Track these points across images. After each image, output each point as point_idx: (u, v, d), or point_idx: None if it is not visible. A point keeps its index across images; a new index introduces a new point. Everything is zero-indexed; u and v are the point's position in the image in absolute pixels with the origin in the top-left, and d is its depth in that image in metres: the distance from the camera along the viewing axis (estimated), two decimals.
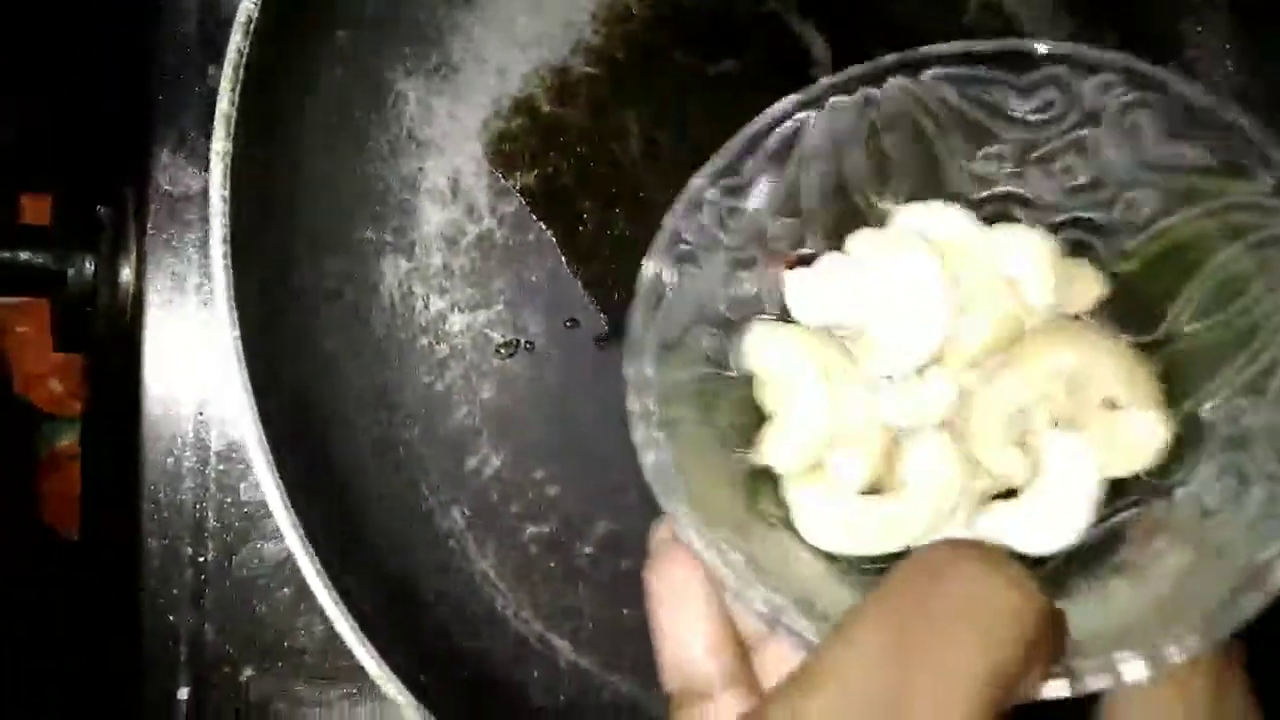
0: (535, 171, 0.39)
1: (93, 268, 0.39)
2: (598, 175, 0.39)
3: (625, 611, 0.39)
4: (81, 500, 0.52)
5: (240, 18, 0.28)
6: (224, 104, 0.28)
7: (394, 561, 0.36)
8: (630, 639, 0.39)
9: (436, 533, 0.37)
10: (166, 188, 0.39)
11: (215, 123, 0.29)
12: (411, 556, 0.36)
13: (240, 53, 0.28)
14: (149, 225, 0.38)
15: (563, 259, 0.39)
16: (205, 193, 0.37)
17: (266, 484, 0.31)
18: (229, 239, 0.29)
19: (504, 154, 0.38)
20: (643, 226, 0.40)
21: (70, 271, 0.40)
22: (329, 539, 0.33)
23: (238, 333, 0.30)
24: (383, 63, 0.37)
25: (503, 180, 0.39)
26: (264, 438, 0.29)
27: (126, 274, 0.39)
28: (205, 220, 0.34)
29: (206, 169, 0.37)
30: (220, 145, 0.28)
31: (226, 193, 0.28)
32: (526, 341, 0.39)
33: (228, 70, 0.28)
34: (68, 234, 0.40)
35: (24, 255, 0.40)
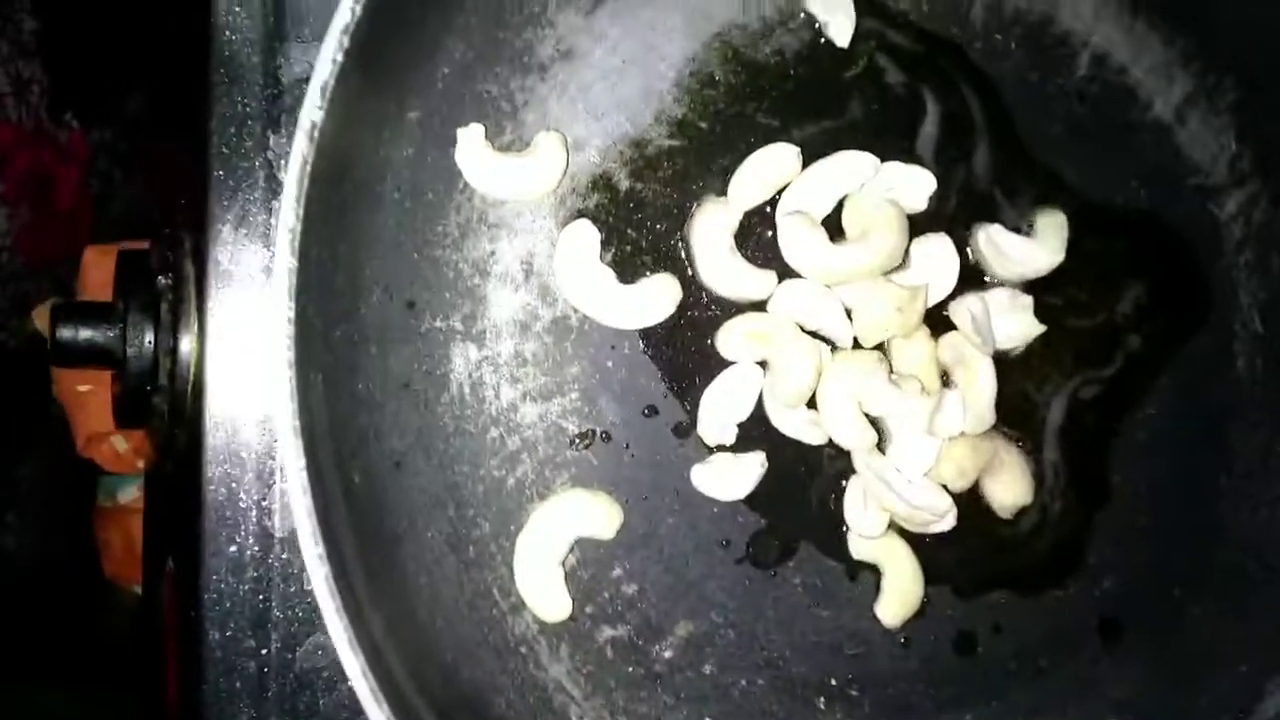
0: (613, 250, 0.36)
1: (153, 342, 0.38)
2: (677, 252, 0.37)
3: None
4: (144, 561, 0.51)
5: (303, 122, 0.26)
6: (289, 217, 0.26)
7: (466, 672, 0.34)
8: None
9: (508, 639, 0.35)
10: (227, 266, 0.37)
11: (278, 235, 0.27)
12: (482, 665, 0.34)
13: (305, 161, 0.26)
14: (209, 302, 0.37)
15: (641, 344, 0.37)
16: (266, 270, 0.35)
17: (324, 599, 0.29)
18: (294, 343, 0.27)
19: None
20: (725, 308, 0.38)
21: (131, 350, 0.39)
22: (395, 647, 0.32)
23: (299, 438, 0.28)
24: (455, 141, 0.34)
25: None
26: (324, 554, 0.27)
27: (187, 348, 0.38)
28: (266, 299, 0.32)
29: (268, 246, 0.36)
30: (286, 261, 0.26)
31: (293, 312, 0.26)
32: (602, 432, 0.37)
33: (290, 182, 0.26)
34: (129, 307, 0.39)
35: (86, 333, 0.39)
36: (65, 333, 0.39)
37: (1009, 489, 0.38)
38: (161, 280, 0.39)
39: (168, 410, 0.39)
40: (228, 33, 0.36)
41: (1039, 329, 0.38)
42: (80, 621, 0.60)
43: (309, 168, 0.26)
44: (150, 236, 0.45)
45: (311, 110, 0.26)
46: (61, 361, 0.41)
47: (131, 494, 0.61)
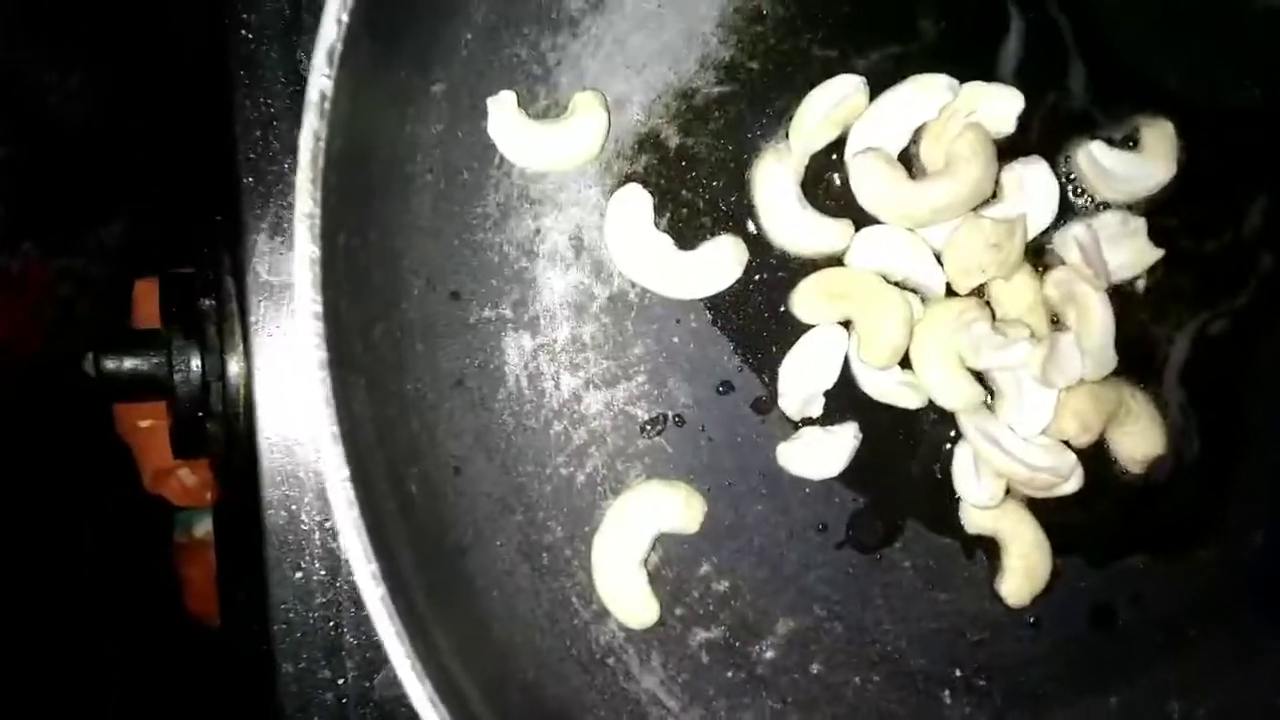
0: (668, 214, 0.33)
1: (200, 367, 0.37)
2: (739, 209, 0.33)
3: None
4: (219, 592, 0.50)
5: (312, 95, 0.24)
6: (305, 202, 0.24)
7: (550, 690, 0.31)
8: None
9: (593, 650, 0.32)
10: (267, 277, 0.35)
11: (296, 225, 0.24)
12: (567, 682, 0.31)
13: (317, 138, 0.23)
14: (252, 318, 0.35)
15: (708, 314, 0.33)
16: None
17: (381, 623, 0.26)
18: (326, 354, 0.24)
19: None
20: (798, 266, 0.35)
21: (179, 377, 0.37)
22: (469, 670, 0.29)
23: (339, 445, 0.25)
24: (486, 112, 0.32)
25: None
26: (378, 573, 0.24)
27: (235, 369, 0.36)
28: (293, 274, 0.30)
29: None
30: (306, 250, 0.24)
31: (318, 305, 0.24)
32: (675, 415, 0.33)
33: (303, 163, 0.24)
34: (173, 333, 0.38)
35: (130, 363, 0.38)
36: (110, 364, 0.38)
37: (1139, 440, 0.34)
38: (205, 302, 0.38)
39: (223, 436, 0.37)
40: (244, 32, 0.34)
41: (1156, 253, 0.34)
42: (164, 662, 0.60)
43: (322, 145, 0.23)
44: (195, 260, 0.44)
45: (319, 79, 0.24)
46: (111, 395, 0.40)
47: (206, 527, 0.61)
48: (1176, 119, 0.34)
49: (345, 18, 0.24)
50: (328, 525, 0.34)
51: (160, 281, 0.41)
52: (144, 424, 0.56)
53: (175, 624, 0.62)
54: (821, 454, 0.33)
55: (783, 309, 0.34)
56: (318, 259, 0.24)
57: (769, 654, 0.33)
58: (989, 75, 0.33)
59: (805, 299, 0.33)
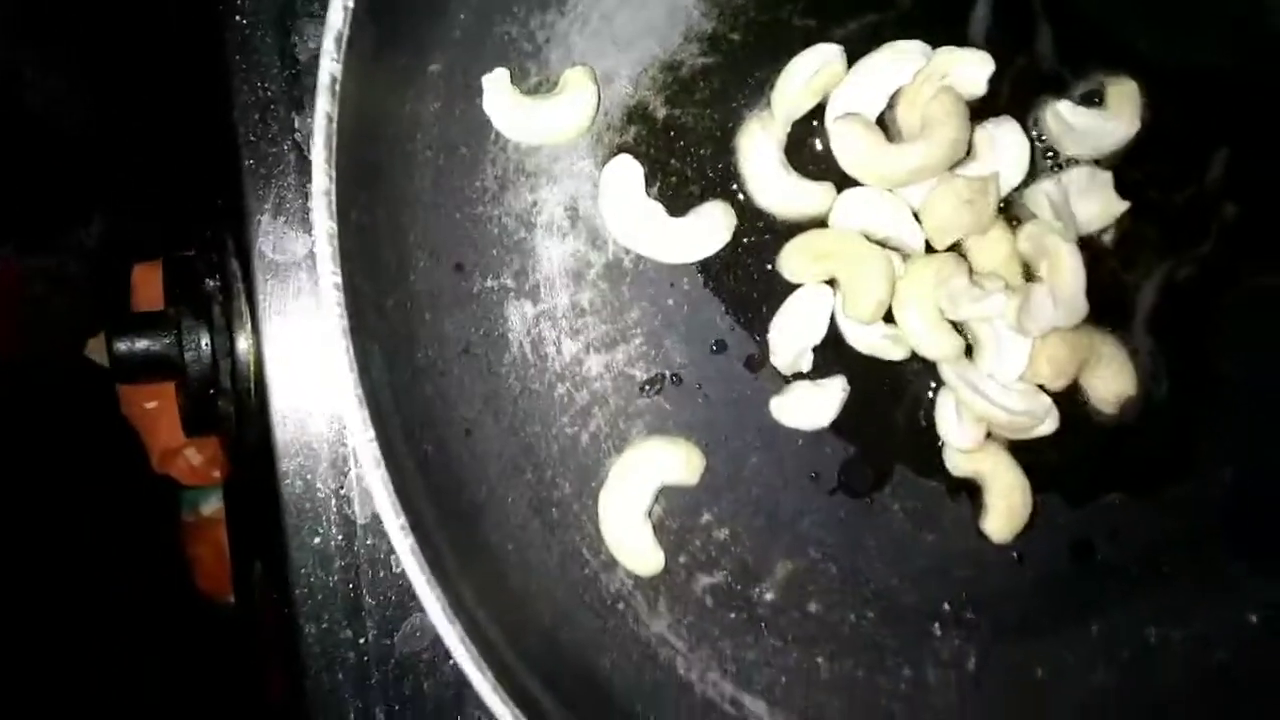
0: (659, 183, 0.35)
1: (209, 346, 0.38)
2: (726, 175, 0.35)
3: (820, 660, 0.35)
4: (233, 568, 0.51)
5: (323, 79, 0.25)
6: (321, 180, 0.25)
7: (566, 635, 0.32)
8: (832, 691, 0.35)
9: (604, 597, 0.34)
10: (272, 256, 0.36)
11: (314, 201, 0.26)
12: (582, 627, 0.33)
13: (329, 118, 0.25)
14: (259, 295, 0.36)
15: (700, 277, 0.35)
16: (311, 256, 0.34)
17: (413, 571, 0.28)
18: (347, 322, 0.26)
19: None
20: (785, 228, 0.36)
21: (189, 356, 0.38)
22: (490, 618, 0.31)
23: (364, 408, 0.27)
24: (480, 90, 0.33)
25: None
26: (406, 525, 0.26)
27: (244, 346, 0.37)
28: (316, 285, 0.31)
29: (310, 231, 0.35)
30: (324, 225, 0.25)
31: (338, 277, 0.25)
32: (672, 375, 0.35)
33: (319, 143, 0.25)
34: (181, 313, 0.38)
35: (142, 344, 0.39)
36: (122, 346, 0.39)
37: (1111, 381, 0.36)
38: (210, 282, 0.38)
39: (234, 412, 0.38)
40: (239, 17, 0.35)
41: (1123, 205, 0.35)
42: (176, 638, 0.61)
43: (335, 125, 0.25)
44: (195, 244, 0.45)
45: (329, 64, 0.25)
46: (123, 377, 0.41)
47: (214, 505, 0.62)
48: (1140, 77, 0.36)
49: (350, 4, 0.25)
50: (342, 493, 0.36)
51: (164, 264, 0.41)
52: (150, 405, 0.57)
53: (187, 603, 0.63)
54: (812, 406, 0.35)
55: (771, 269, 0.35)
56: (335, 234, 0.25)
57: (769, 595, 0.35)
58: (960, 40, 0.35)
59: (792, 259, 0.35)
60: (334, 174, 0.25)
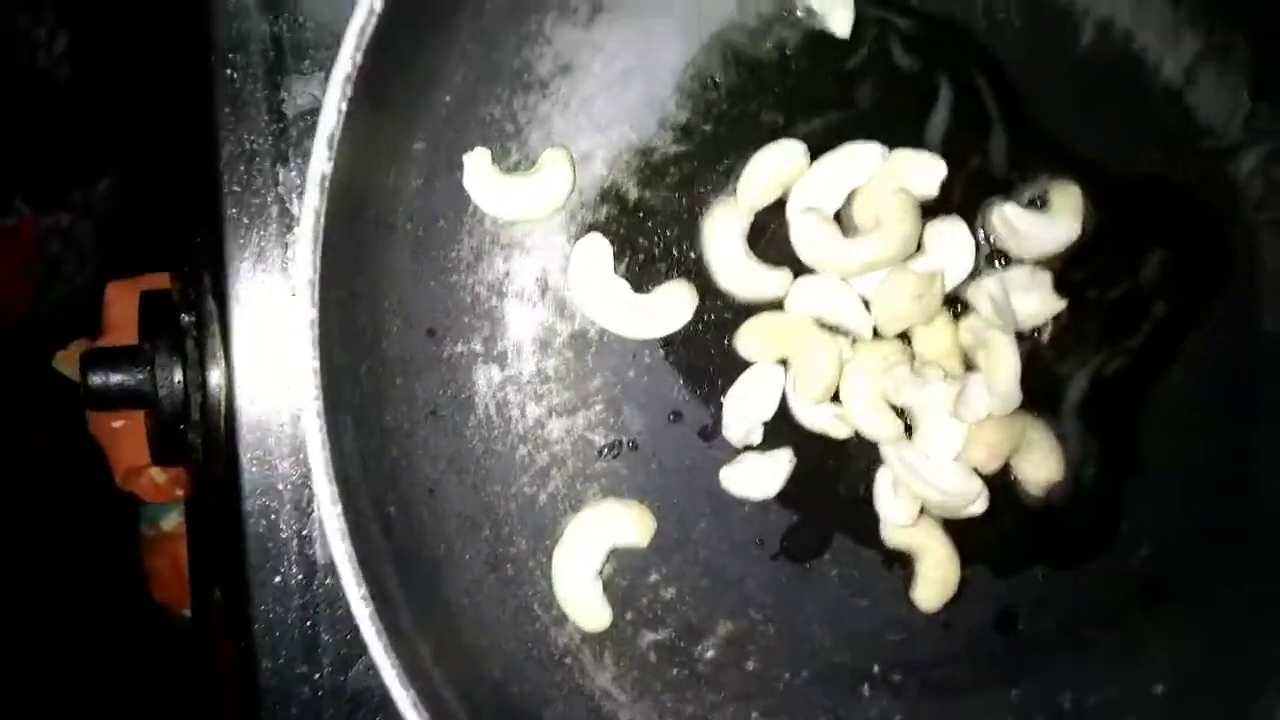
0: (626, 260, 0.36)
1: (182, 380, 0.39)
2: (691, 259, 0.37)
3: (755, 715, 0.37)
4: (191, 589, 0.52)
5: (313, 176, 0.26)
6: (306, 269, 0.26)
7: (514, 688, 0.34)
8: None
9: (553, 651, 0.36)
10: (248, 302, 0.37)
11: (297, 288, 0.27)
12: (529, 680, 0.35)
13: (318, 214, 0.26)
14: (234, 334, 0.37)
15: (661, 351, 0.37)
16: (288, 302, 0.35)
17: (370, 638, 0.29)
18: (323, 392, 0.27)
19: None
20: (743, 309, 0.38)
21: (162, 391, 0.39)
22: (445, 673, 0.32)
23: (334, 485, 0.28)
24: (462, 167, 0.34)
25: None
26: (367, 595, 0.28)
27: (215, 382, 0.38)
28: (290, 326, 0.32)
29: (287, 278, 0.36)
30: (308, 314, 0.27)
31: (317, 361, 0.27)
32: (629, 441, 0.37)
33: (305, 234, 0.26)
34: (156, 349, 0.39)
35: (116, 378, 0.40)
36: (96, 379, 0.40)
37: (1040, 467, 0.38)
38: (185, 318, 0.39)
39: (202, 445, 0.39)
40: (230, 71, 0.36)
41: (1060, 304, 0.38)
42: (132, 650, 0.62)
43: (323, 221, 0.26)
44: (169, 268, 0.46)
45: (320, 163, 0.26)
46: (95, 406, 0.41)
47: (174, 520, 0.62)
48: (1085, 182, 0.38)
49: (344, 107, 0.26)
50: (304, 534, 0.37)
51: (140, 299, 0.42)
52: (117, 424, 0.57)
53: (142, 614, 0.64)
54: (760, 476, 0.37)
55: (728, 347, 0.37)
56: (316, 320, 0.27)
57: (710, 653, 0.37)
58: (918, 140, 0.37)
59: (748, 339, 0.37)
60: (319, 264, 0.26)
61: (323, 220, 0.26)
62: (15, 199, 0.63)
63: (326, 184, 0.26)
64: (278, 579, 0.37)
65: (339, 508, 0.27)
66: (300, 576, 0.37)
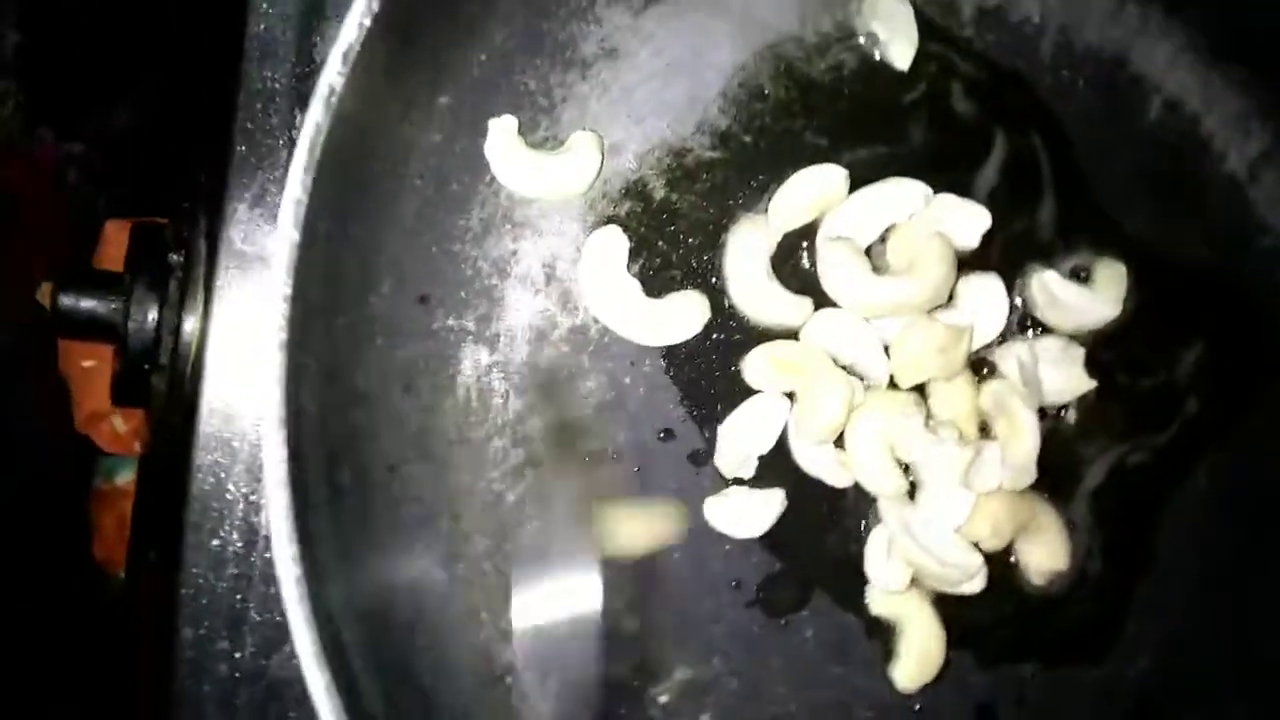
0: (641, 261, 0.34)
1: (157, 319, 0.37)
2: (708, 269, 0.35)
3: None
4: (129, 548, 0.49)
5: (321, 88, 0.25)
6: (295, 187, 0.24)
7: (445, 699, 0.31)
8: None
9: (493, 668, 0.33)
10: (240, 246, 0.35)
11: (283, 207, 0.25)
12: (461, 693, 0.32)
13: (318, 128, 0.24)
14: (218, 281, 0.35)
15: (662, 362, 0.35)
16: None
17: (290, 601, 0.27)
18: (289, 327, 0.25)
19: None
20: (755, 333, 0.36)
21: (133, 325, 0.37)
22: (370, 668, 0.29)
23: (283, 429, 0.26)
24: (486, 131, 0.33)
25: None
26: (298, 556, 0.25)
27: (190, 327, 0.36)
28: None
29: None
30: (289, 234, 0.24)
31: (289, 288, 0.25)
32: (614, 452, 0.34)
33: (301, 149, 0.24)
34: (136, 281, 0.37)
35: (88, 303, 0.38)
36: (67, 301, 0.38)
37: (1045, 553, 0.36)
38: (173, 257, 0.38)
39: (165, 391, 0.37)
40: (265, 5, 0.35)
41: (1089, 384, 0.36)
42: (62, 602, 0.59)
43: (323, 136, 0.24)
44: (170, 211, 0.44)
45: (331, 75, 0.24)
46: (61, 331, 0.39)
47: (128, 476, 0.60)
48: (1131, 263, 0.36)
49: (367, 22, 0.25)
50: (252, 499, 0.35)
51: (131, 229, 0.41)
52: (87, 364, 0.55)
53: (79, 568, 0.61)
54: (746, 514, 0.34)
55: (733, 370, 0.35)
56: (296, 244, 0.24)
57: (663, 698, 0.34)
58: (964, 189, 0.35)
59: (756, 365, 0.34)
60: (309, 185, 0.24)
61: (323, 138, 0.24)
62: (40, 127, 0.62)
63: (334, 101, 0.24)
64: (215, 542, 0.35)
65: (284, 454, 0.24)
66: (240, 544, 0.35)
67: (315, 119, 0.24)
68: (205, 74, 0.39)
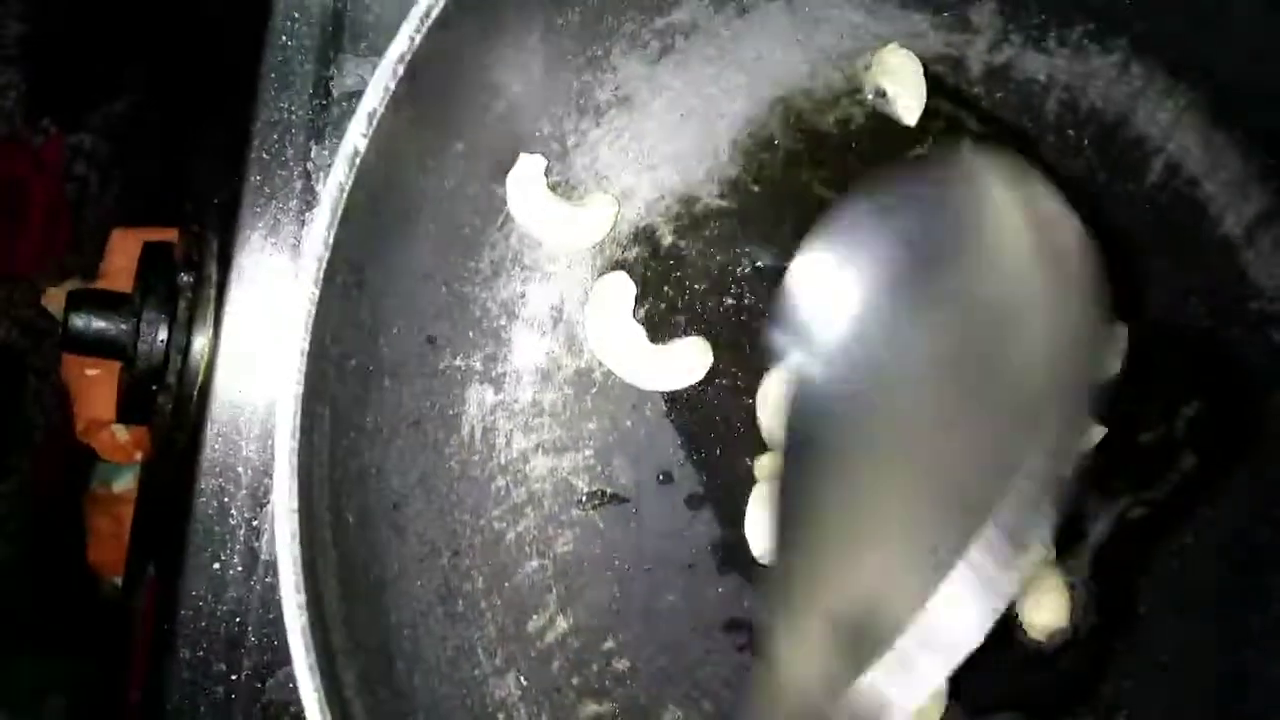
0: (647, 306, 0.35)
1: (165, 340, 0.37)
2: (713, 316, 0.35)
3: None
4: (127, 558, 0.50)
5: (345, 149, 0.25)
6: (318, 245, 0.25)
7: None
8: None
9: (487, 704, 0.33)
10: (252, 273, 0.36)
11: (304, 261, 0.25)
12: None
13: (341, 190, 0.25)
14: (228, 306, 0.36)
15: (664, 406, 0.35)
16: (290, 282, 0.34)
17: (295, 647, 0.27)
18: (304, 378, 0.25)
19: None
20: (755, 378, 0.37)
21: (142, 346, 0.37)
22: (368, 706, 0.30)
23: (294, 477, 0.26)
24: (499, 175, 0.33)
25: None
26: (305, 604, 0.25)
27: (199, 348, 0.37)
28: (285, 309, 0.31)
29: (296, 257, 0.35)
30: (309, 291, 0.25)
31: (307, 344, 0.25)
32: (613, 493, 0.35)
33: (324, 209, 0.25)
34: (146, 301, 0.38)
35: (99, 324, 0.38)
36: (78, 321, 0.38)
37: (1046, 610, 0.36)
38: (184, 277, 0.38)
39: (171, 411, 0.37)
40: (284, 38, 0.35)
41: (1099, 431, 0.36)
42: (56, 604, 0.59)
43: (345, 196, 0.25)
44: (178, 224, 0.44)
45: (356, 137, 0.25)
46: (72, 349, 0.40)
47: (127, 483, 0.60)
48: (1129, 323, 0.37)
49: (392, 85, 0.25)
50: (254, 524, 0.35)
51: (143, 248, 0.41)
52: (91, 372, 0.55)
53: (74, 572, 0.61)
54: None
55: (734, 417, 0.35)
56: (316, 298, 0.25)
57: None
58: None
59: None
60: (331, 242, 0.25)
61: (345, 198, 0.25)
62: (44, 118, 0.63)
63: (358, 161, 0.25)
64: (216, 565, 0.35)
65: (294, 500, 0.25)
66: (240, 568, 0.35)
67: (339, 179, 0.25)
68: (222, 102, 0.40)
